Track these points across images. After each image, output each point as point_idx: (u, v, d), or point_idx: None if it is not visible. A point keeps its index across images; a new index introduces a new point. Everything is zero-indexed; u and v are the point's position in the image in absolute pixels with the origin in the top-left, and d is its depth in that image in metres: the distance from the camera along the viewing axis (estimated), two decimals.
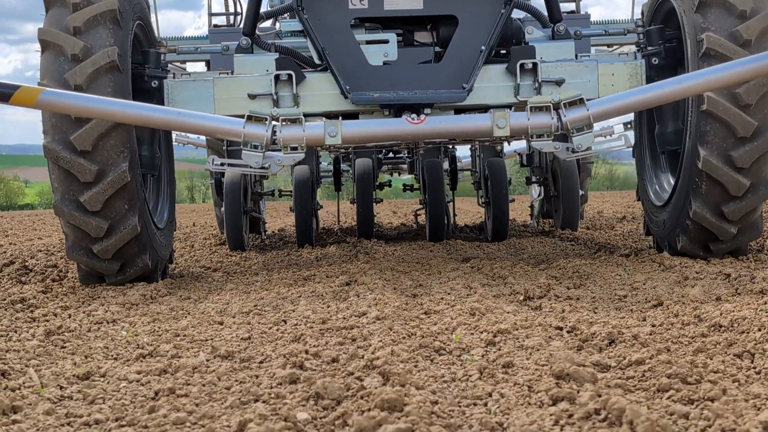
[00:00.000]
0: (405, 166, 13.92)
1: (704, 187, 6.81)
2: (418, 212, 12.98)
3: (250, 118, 6.53)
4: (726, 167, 6.72)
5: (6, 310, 5.63)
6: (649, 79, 7.22)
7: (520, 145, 13.08)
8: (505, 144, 11.84)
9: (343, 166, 13.10)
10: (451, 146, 11.76)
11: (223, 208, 10.42)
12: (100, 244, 6.70)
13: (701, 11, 6.81)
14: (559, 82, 7.21)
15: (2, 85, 6.10)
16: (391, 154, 13.36)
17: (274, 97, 7.21)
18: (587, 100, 6.53)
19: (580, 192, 11.51)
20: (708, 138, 6.74)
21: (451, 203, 11.55)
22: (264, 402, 3.20)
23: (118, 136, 6.60)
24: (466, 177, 13.45)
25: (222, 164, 7.16)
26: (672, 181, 7.53)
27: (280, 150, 6.65)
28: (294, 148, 6.63)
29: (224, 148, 10.75)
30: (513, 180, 13.13)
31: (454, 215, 11.99)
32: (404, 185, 13.68)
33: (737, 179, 6.73)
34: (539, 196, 13.16)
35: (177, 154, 9.64)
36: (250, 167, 6.62)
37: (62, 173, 6.62)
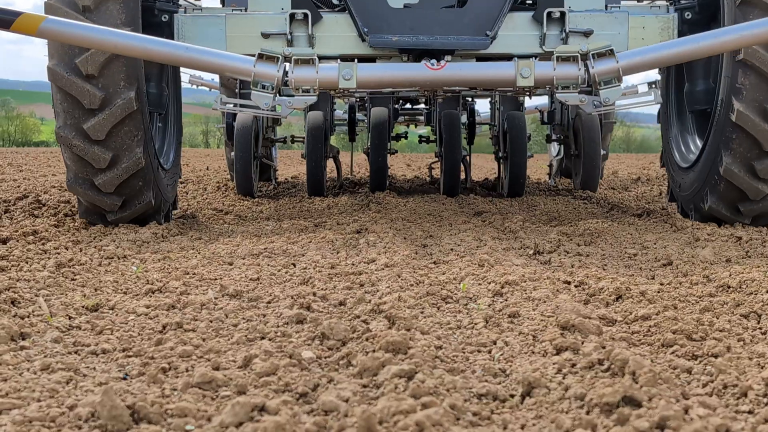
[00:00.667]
0: (422, 118, 13.45)
1: (736, 142, 6.51)
2: (432, 165, 12.58)
3: (261, 56, 6.26)
4: (762, 121, 6.41)
5: (18, 241, 5.66)
6: (681, 34, 6.95)
7: (541, 101, 12.84)
8: (527, 100, 11.50)
9: (359, 116, 12.58)
10: (470, 99, 11.49)
11: (233, 153, 10.17)
12: (103, 176, 6.43)
13: None
14: (587, 33, 6.93)
15: (3, 12, 5.78)
16: (408, 105, 12.93)
17: (289, 37, 6.94)
18: (617, 52, 6.30)
19: (602, 152, 11.16)
20: (744, 90, 6.43)
21: (468, 157, 11.22)
22: (270, 340, 3.22)
23: (126, 63, 6.32)
24: (483, 132, 13.19)
25: (230, 104, 6.91)
26: (699, 143, 7.31)
27: (292, 94, 6.43)
28: (306, 91, 6.36)
29: (237, 90, 10.42)
30: (532, 137, 12.55)
31: (469, 170, 11.57)
32: (420, 137, 13.05)
33: None
34: (558, 154, 12.85)
35: (192, 98, 9.48)
36: (260, 109, 6.36)
37: (66, 98, 6.34)
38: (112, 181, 6.45)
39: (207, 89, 14.98)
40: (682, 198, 7.33)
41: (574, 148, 11.12)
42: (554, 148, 13.27)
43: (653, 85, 6.72)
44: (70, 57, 6.28)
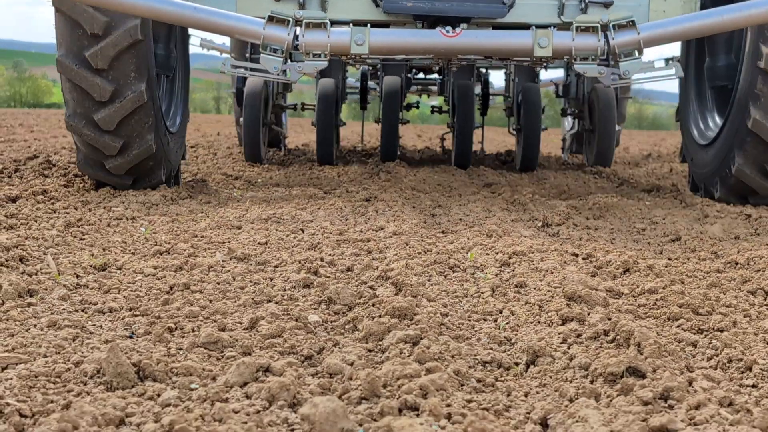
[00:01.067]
0: (435, 88, 13.08)
1: (750, 145, 6.46)
2: (444, 136, 12.23)
3: (271, 18, 6.09)
4: None
5: (27, 200, 5.67)
6: (703, 7, 6.80)
7: (557, 74, 12.67)
8: (542, 72, 11.19)
9: (371, 84, 12.37)
10: (484, 70, 11.27)
11: (242, 118, 10.00)
12: (114, 161, 6.37)
13: None
14: (607, 4, 6.76)
15: None
16: (421, 75, 12.72)
17: (301, 0, 6.79)
18: (638, 23, 6.13)
19: (617, 127, 10.84)
20: (762, 98, 6.34)
21: (481, 129, 10.98)
22: (276, 303, 3.22)
23: (136, 54, 6.15)
24: (497, 104, 12.94)
25: (237, 67, 6.65)
26: (719, 121, 7.17)
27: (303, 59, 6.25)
28: (317, 56, 6.19)
29: (247, 55, 10.15)
30: (546, 110, 11.95)
31: (482, 142, 11.52)
32: (432, 107, 12.70)
33: None
34: (572, 129, 12.53)
35: (203, 63, 9.24)
36: (268, 73, 6.18)
37: (75, 89, 6.19)
38: (122, 166, 6.40)
39: (218, 53, 14.70)
40: (696, 173, 7.26)
41: (588, 123, 10.88)
42: (568, 122, 12.94)
43: (670, 61, 6.58)
44: (79, 48, 6.10)
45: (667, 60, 6.69)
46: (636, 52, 6.14)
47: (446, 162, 10.67)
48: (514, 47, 6.42)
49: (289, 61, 6.23)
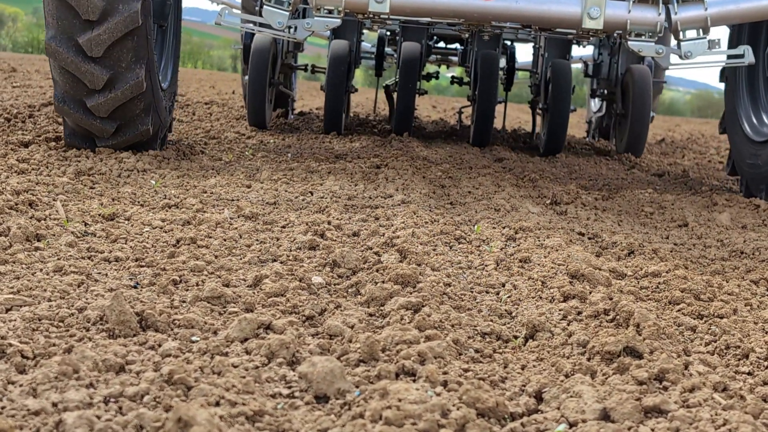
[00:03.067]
0: (455, 59, 11.92)
1: None
2: (462, 110, 11.27)
3: None
4: None
5: (39, 146, 5.69)
6: None
7: (586, 52, 11.52)
8: (574, 48, 9.99)
9: (387, 50, 11.33)
10: (509, 42, 10.41)
11: (247, 77, 9.01)
12: (96, 98, 5.50)
13: None
14: None
15: None
16: (442, 44, 11.55)
17: None
18: None
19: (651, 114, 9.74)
20: None
21: (504, 104, 10.02)
22: (281, 263, 3.24)
23: (132, 42, 5.46)
24: (519, 80, 11.63)
25: (246, 21, 6.03)
26: None
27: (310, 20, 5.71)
28: (329, 12, 5.62)
29: (257, 9, 8.81)
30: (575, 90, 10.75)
31: (504, 120, 10.73)
32: (452, 78, 11.52)
33: None
34: (599, 111, 11.57)
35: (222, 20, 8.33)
36: (272, 28, 5.58)
37: (59, 5, 5.35)
38: (106, 105, 5.54)
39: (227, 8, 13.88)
40: (750, 175, 6.49)
41: (620, 106, 9.86)
42: (594, 103, 12.07)
43: (716, 43, 5.83)
44: (72, 33, 5.38)
45: (711, 41, 5.86)
46: (701, 31, 5.57)
47: (463, 138, 10.13)
48: (560, 16, 5.73)
49: (301, 19, 5.78)
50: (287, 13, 5.62)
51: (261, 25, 6.03)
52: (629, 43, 5.69)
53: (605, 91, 10.68)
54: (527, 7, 5.75)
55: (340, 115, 8.90)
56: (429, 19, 8.73)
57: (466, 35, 8.76)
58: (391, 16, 6.04)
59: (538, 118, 9.83)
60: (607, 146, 10.54)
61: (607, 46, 10.17)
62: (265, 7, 5.63)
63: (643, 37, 5.62)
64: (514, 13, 5.78)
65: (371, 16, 5.93)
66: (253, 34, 8.91)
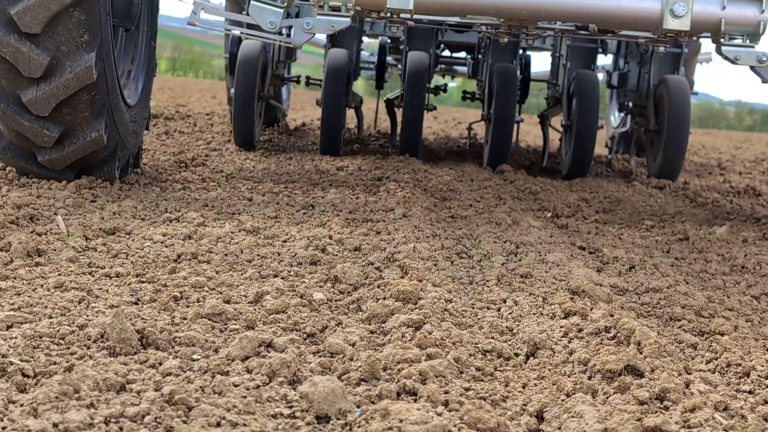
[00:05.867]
0: (463, 69, 10.64)
1: None
2: (472, 126, 10.08)
3: None
4: None
5: None
6: None
7: (605, 60, 10.34)
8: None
9: (390, 60, 10.38)
10: (522, 50, 8.97)
11: (233, 89, 8.04)
12: (49, 154, 4.76)
13: None
14: None
15: None
16: (447, 52, 10.38)
17: None
18: None
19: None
20: None
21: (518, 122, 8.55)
22: (283, 278, 3.24)
23: (80, 13, 4.53)
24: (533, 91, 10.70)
25: (238, 24, 5.08)
26: None
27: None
28: (335, 9, 4.75)
29: (246, 8, 7.70)
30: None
31: (517, 136, 9.61)
32: (464, 92, 9.99)
33: None
34: (621, 125, 10.36)
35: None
36: (262, 30, 4.71)
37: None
38: (60, 160, 4.78)
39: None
40: None
41: (654, 122, 8.54)
42: (614, 116, 10.87)
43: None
44: (3, 6, 4.48)
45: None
46: None
47: (474, 158, 9.07)
48: (634, 14, 4.80)
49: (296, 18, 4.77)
50: (281, 11, 4.74)
51: (249, 26, 5.13)
52: (723, 48, 4.82)
53: (630, 104, 9.45)
54: (593, 3, 4.83)
55: (339, 134, 7.97)
56: (436, 23, 7.68)
57: (505, 39, 7.13)
58: (415, 15, 5.00)
59: (552, 133, 9.02)
60: (627, 165, 9.59)
61: (636, 53, 9.16)
62: (252, 3, 4.75)
63: (739, 40, 4.73)
64: (576, 10, 4.84)
65: (389, 15, 5.00)
66: (240, 42, 8.12)
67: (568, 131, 8.13)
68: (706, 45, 13.59)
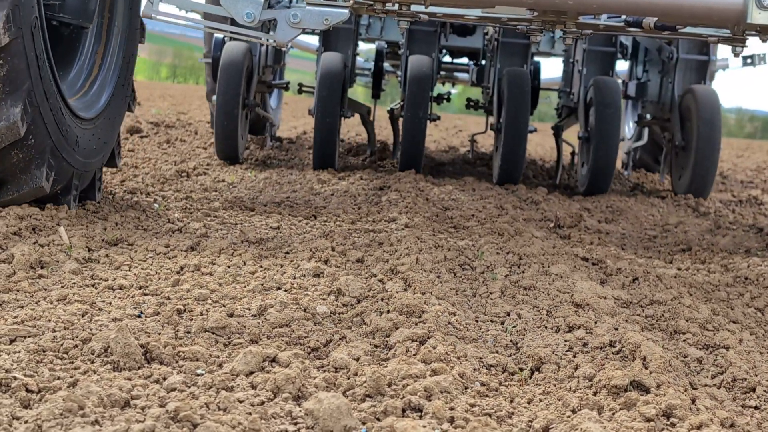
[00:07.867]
0: (465, 76, 10.03)
1: None
2: (474, 137, 9.60)
3: None
4: None
5: None
6: None
7: (620, 68, 9.23)
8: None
9: (387, 66, 9.76)
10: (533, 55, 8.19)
11: (215, 97, 7.35)
12: None
13: None
14: None
15: None
16: (448, 58, 9.72)
17: None
18: None
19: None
20: None
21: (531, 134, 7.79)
22: (286, 291, 3.24)
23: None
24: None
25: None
26: None
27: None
28: None
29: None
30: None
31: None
32: (469, 100, 9.05)
33: None
34: (638, 139, 9.27)
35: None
36: (239, 25, 4.01)
37: None
38: None
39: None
40: None
41: (680, 137, 7.90)
42: (629, 128, 10.07)
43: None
44: None
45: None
46: None
47: (479, 171, 8.58)
48: (708, 5, 4.05)
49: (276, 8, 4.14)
50: (260, 1, 4.05)
51: (233, 22, 4.32)
52: None
53: (650, 116, 8.79)
54: None
55: (334, 147, 7.25)
56: (448, 18, 6.84)
57: (539, 37, 5.29)
58: (430, 7, 4.36)
59: (566, 147, 8.37)
60: (645, 181, 9.17)
61: (657, 61, 8.53)
62: None
63: None
64: (634, 2, 4.16)
65: (399, 7, 4.38)
66: (224, 44, 7.47)
67: (586, 144, 7.58)
68: (723, 51, 13.37)
